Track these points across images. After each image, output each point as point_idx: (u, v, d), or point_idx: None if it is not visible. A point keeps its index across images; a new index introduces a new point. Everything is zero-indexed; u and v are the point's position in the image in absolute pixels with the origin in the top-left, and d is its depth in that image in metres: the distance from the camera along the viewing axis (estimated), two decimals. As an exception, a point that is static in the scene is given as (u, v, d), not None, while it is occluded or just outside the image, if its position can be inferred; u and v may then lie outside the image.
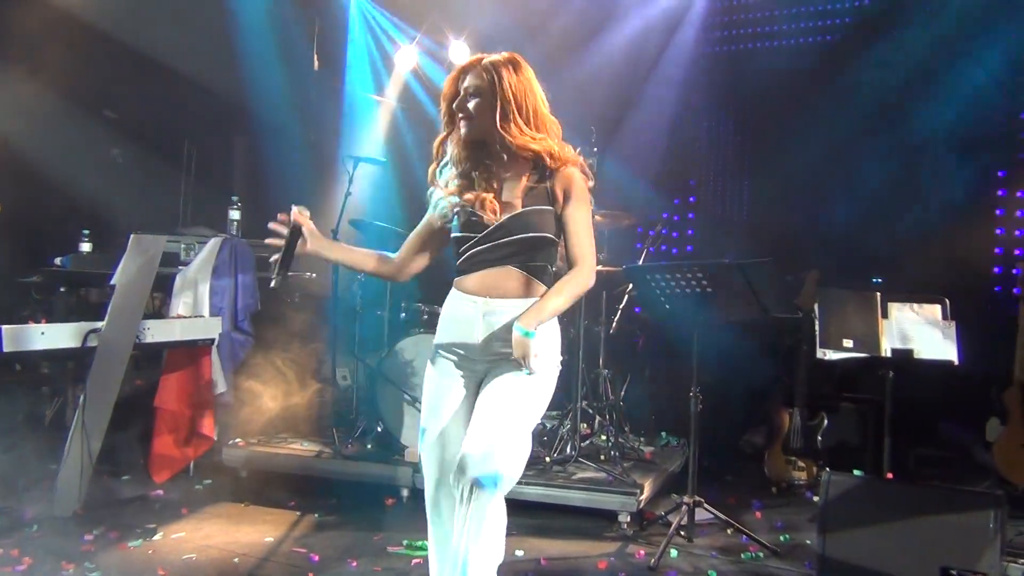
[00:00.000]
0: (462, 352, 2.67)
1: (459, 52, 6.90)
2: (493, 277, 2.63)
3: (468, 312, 2.65)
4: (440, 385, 2.70)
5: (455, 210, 2.67)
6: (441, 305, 5.15)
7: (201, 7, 6.20)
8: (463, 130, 2.62)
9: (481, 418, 2.54)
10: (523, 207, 2.62)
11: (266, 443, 5.09)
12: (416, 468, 4.60)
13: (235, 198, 5.53)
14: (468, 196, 2.64)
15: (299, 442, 5.14)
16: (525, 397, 2.58)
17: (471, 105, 2.60)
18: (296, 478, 4.81)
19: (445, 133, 2.73)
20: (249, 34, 6.50)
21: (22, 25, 5.50)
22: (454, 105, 2.64)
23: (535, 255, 2.63)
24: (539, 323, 2.55)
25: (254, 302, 5.28)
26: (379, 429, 5.02)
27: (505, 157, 2.64)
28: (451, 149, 2.71)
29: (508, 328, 2.57)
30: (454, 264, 2.72)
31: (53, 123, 5.63)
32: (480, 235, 2.62)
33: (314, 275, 5.91)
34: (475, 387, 2.68)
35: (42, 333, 3.89)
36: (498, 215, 2.61)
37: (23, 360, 4.33)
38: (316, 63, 7.19)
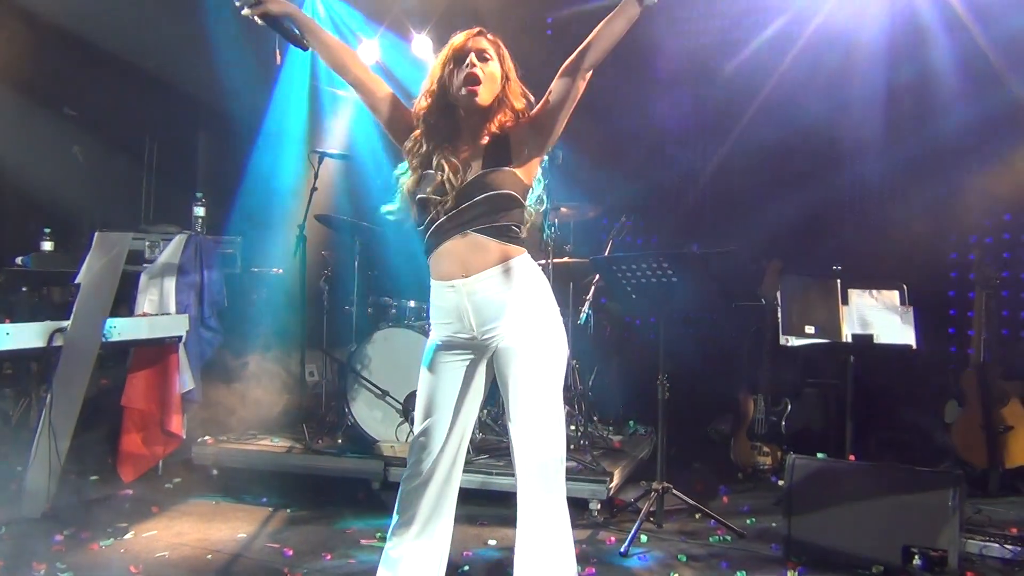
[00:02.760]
0: (462, 339, 2.70)
1: (422, 46, 6.91)
2: (463, 249, 2.63)
3: (452, 300, 2.67)
4: (435, 381, 2.73)
5: (419, 182, 2.69)
6: (408, 299, 5.18)
7: (161, 3, 6.14)
8: (475, 97, 2.64)
9: (522, 408, 2.64)
10: (484, 168, 2.65)
11: (236, 440, 5.07)
12: (388, 461, 4.63)
13: (199, 195, 5.48)
14: (431, 167, 2.67)
15: (269, 438, 5.13)
16: (550, 372, 2.67)
17: (487, 70, 2.66)
18: (267, 474, 4.80)
19: (422, 119, 2.73)
20: (211, 29, 6.44)
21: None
22: (461, 75, 2.65)
23: (500, 216, 2.64)
24: None
25: (221, 299, 5.25)
26: (349, 423, 5.03)
27: (484, 122, 2.70)
28: (424, 127, 2.72)
29: (495, 301, 2.63)
30: (423, 243, 2.73)
31: (12, 121, 5.54)
32: (445, 201, 2.62)
33: (281, 271, 5.89)
34: (476, 370, 2.73)
35: (7, 333, 3.84)
36: (460, 180, 2.63)
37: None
38: (279, 58, 7.13)
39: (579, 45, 2.63)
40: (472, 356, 2.72)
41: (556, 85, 2.66)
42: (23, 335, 3.93)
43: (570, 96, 2.65)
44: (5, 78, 5.56)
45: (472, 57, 2.66)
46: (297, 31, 2.75)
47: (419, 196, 2.68)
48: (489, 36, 2.73)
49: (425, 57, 6.94)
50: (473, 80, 2.64)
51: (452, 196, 2.61)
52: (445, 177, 2.62)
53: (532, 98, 2.77)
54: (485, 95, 2.67)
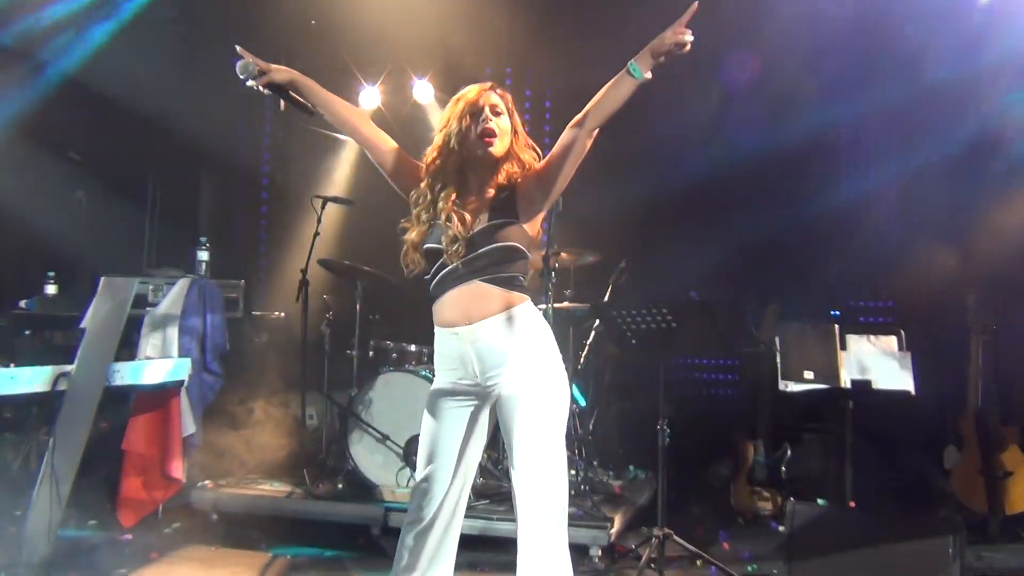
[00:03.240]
0: (465, 385, 2.73)
1: (423, 91, 7.02)
2: (467, 297, 2.68)
3: (455, 347, 2.71)
4: (438, 427, 2.75)
5: (426, 233, 2.75)
6: (409, 344, 5.21)
7: (165, 48, 6.24)
8: (490, 149, 2.71)
9: (524, 455, 2.66)
10: (489, 221, 2.70)
11: (236, 484, 5.06)
12: (388, 506, 4.62)
13: (203, 239, 5.54)
14: (439, 219, 2.72)
15: (269, 483, 5.12)
16: (553, 419, 2.70)
17: (501, 125, 2.74)
18: (267, 519, 4.79)
19: (431, 172, 2.78)
20: (213, 75, 6.54)
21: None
22: (478, 129, 2.71)
23: (506, 267, 2.70)
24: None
25: (223, 343, 5.27)
26: (349, 468, 5.03)
27: (492, 174, 2.76)
28: (433, 179, 2.78)
29: (498, 348, 2.66)
30: (428, 290, 2.78)
31: (16, 165, 5.61)
32: (452, 252, 2.66)
33: (283, 315, 5.93)
34: (479, 416, 2.75)
35: (11, 377, 3.86)
36: (468, 231, 2.68)
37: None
38: (282, 104, 7.25)
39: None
40: (475, 402, 2.75)
41: (562, 141, 2.70)
42: (27, 379, 3.93)
43: (573, 153, 2.68)
44: (10, 123, 5.64)
45: (487, 111, 2.73)
46: (302, 98, 2.79)
47: (427, 247, 2.73)
48: (499, 90, 2.80)
49: (425, 102, 7.05)
50: (490, 134, 2.71)
51: (459, 247, 2.66)
52: (454, 229, 2.67)
53: (539, 151, 2.84)
54: (499, 148, 2.74)
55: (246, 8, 6.33)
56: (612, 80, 2.62)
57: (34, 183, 5.70)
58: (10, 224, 5.55)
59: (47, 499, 3.99)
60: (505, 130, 2.75)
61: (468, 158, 2.75)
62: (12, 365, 3.99)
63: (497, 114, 2.74)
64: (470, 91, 2.78)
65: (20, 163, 5.60)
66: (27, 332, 5.10)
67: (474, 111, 2.74)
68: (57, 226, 5.77)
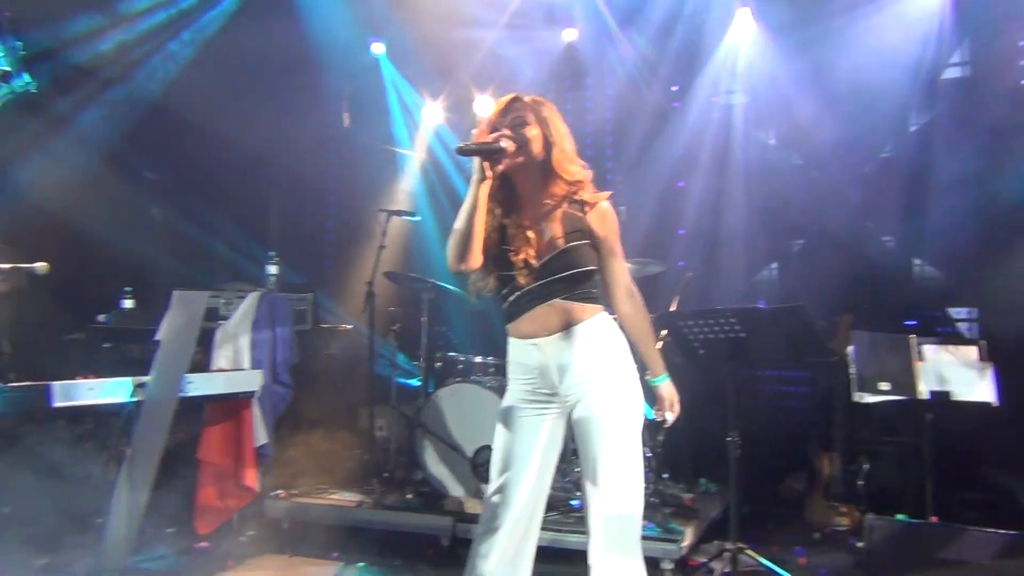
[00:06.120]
0: (542, 395, 2.73)
1: (485, 105, 7.07)
2: (545, 314, 2.69)
3: (533, 357, 2.71)
4: (512, 437, 2.75)
5: (494, 254, 2.74)
6: (476, 355, 5.22)
7: (234, 71, 6.41)
8: (501, 164, 2.64)
9: (600, 468, 2.64)
10: (565, 244, 2.69)
11: (307, 494, 5.12)
12: (457, 517, 4.62)
13: (272, 253, 5.65)
14: (503, 243, 2.73)
15: (339, 492, 5.17)
16: (629, 432, 2.70)
17: (524, 134, 2.67)
18: (338, 528, 4.82)
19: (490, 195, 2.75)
20: (280, 95, 6.70)
21: (63, 91, 5.72)
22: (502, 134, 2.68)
23: (581, 286, 2.71)
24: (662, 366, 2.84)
25: (292, 355, 5.35)
26: (418, 478, 5.05)
27: (542, 191, 2.73)
28: (492, 204, 2.76)
29: (575, 359, 2.66)
30: (500, 311, 2.79)
31: (94, 185, 5.81)
32: (524, 277, 2.68)
33: (351, 327, 6.00)
34: (554, 427, 2.75)
35: (90, 388, 3.98)
36: (539, 256, 2.68)
37: (69, 416, 4.41)
38: (347, 121, 7.38)
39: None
40: (551, 412, 2.74)
41: (606, 271, 2.81)
42: (106, 390, 4.06)
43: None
44: (89, 144, 5.85)
45: (506, 123, 2.69)
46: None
47: (499, 273, 2.74)
48: (527, 99, 2.75)
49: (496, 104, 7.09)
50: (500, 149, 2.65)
51: (532, 272, 2.67)
52: (524, 255, 2.68)
53: (590, 171, 2.79)
54: (521, 159, 2.67)
55: (311, 32, 6.47)
56: (653, 349, 2.89)
57: (111, 201, 5.89)
58: (90, 241, 5.73)
59: (126, 507, 4.10)
60: (530, 138, 2.68)
61: (512, 174, 2.73)
62: (92, 377, 4.12)
63: (519, 125, 2.70)
64: (495, 104, 2.78)
65: (98, 182, 5.80)
66: (106, 345, 5.25)
67: (495, 125, 2.71)
68: (134, 242, 5.96)
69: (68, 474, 4.25)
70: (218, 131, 6.34)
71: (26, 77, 4.37)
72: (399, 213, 5.80)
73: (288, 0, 6.35)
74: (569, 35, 6.91)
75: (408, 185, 7.40)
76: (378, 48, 7.22)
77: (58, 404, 3.85)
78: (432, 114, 7.37)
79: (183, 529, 4.82)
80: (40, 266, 5.10)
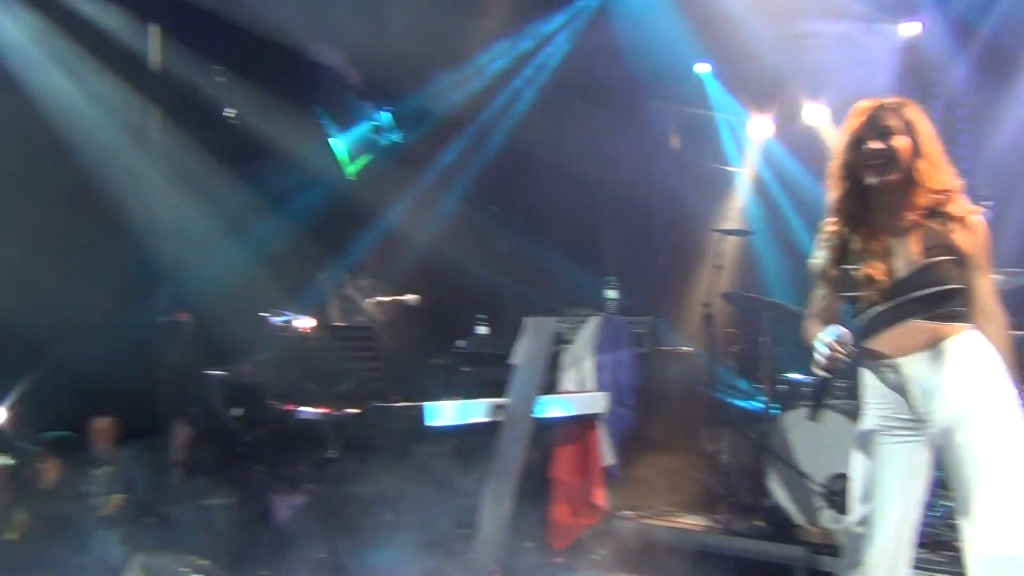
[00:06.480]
0: (902, 420, 2.56)
1: (816, 114, 6.77)
2: (902, 335, 2.52)
3: (891, 380, 2.56)
4: (873, 466, 2.60)
5: (844, 272, 2.62)
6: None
7: (566, 102, 6.73)
8: (878, 178, 2.53)
9: (976, 502, 2.41)
10: (926, 258, 2.49)
11: (654, 516, 5.17)
12: (812, 548, 4.41)
13: (610, 278, 5.81)
14: (854, 259, 2.59)
15: (685, 516, 5.16)
16: (1009, 460, 2.41)
17: (893, 145, 2.53)
18: (686, 552, 4.82)
19: (836, 209, 2.67)
20: (611, 121, 6.91)
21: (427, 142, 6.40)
22: (864, 151, 2.56)
23: (942, 306, 2.49)
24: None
25: (634, 377, 5.47)
26: (766, 505, 4.90)
27: (901, 204, 2.55)
28: (839, 216, 2.67)
29: (939, 381, 2.46)
30: (853, 329, 2.64)
31: (452, 222, 6.40)
32: (880, 294, 2.53)
33: (691, 349, 6.01)
34: (917, 454, 2.55)
35: (457, 409, 4.37)
36: (891, 274, 2.51)
37: (436, 433, 4.86)
38: (674, 142, 7.44)
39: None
40: (915, 438, 2.55)
41: (974, 291, 2.56)
42: (471, 411, 4.44)
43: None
44: (446, 186, 6.47)
45: (873, 134, 2.54)
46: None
47: (848, 295, 2.62)
48: (892, 105, 2.58)
49: (817, 125, 6.79)
50: (874, 158, 2.52)
51: (882, 291, 2.52)
52: (877, 275, 2.53)
53: (957, 180, 2.57)
54: (891, 174, 2.52)
55: (636, 59, 6.63)
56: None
57: (465, 236, 6.45)
58: (448, 273, 6.31)
59: (491, 520, 4.42)
60: (899, 149, 2.52)
61: (869, 187, 2.57)
62: (457, 398, 4.53)
63: (886, 135, 2.52)
64: (854, 111, 2.62)
65: (454, 220, 6.38)
66: (465, 369, 5.72)
67: (859, 135, 2.56)
68: (484, 273, 6.46)
69: (444, 486, 4.68)
70: (554, 162, 6.70)
71: (395, 133, 5.01)
72: (733, 232, 5.73)
73: (613, 31, 6.57)
74: (909, 29, 6.41)
75: (739, 202, 7.29)
76: (702, 68, 7.22)
77: (430, 423, 4.27)
78: (760, 128, 7.21)
79: (540, 544, 5.08)
80: (412, 298, 5.75)
